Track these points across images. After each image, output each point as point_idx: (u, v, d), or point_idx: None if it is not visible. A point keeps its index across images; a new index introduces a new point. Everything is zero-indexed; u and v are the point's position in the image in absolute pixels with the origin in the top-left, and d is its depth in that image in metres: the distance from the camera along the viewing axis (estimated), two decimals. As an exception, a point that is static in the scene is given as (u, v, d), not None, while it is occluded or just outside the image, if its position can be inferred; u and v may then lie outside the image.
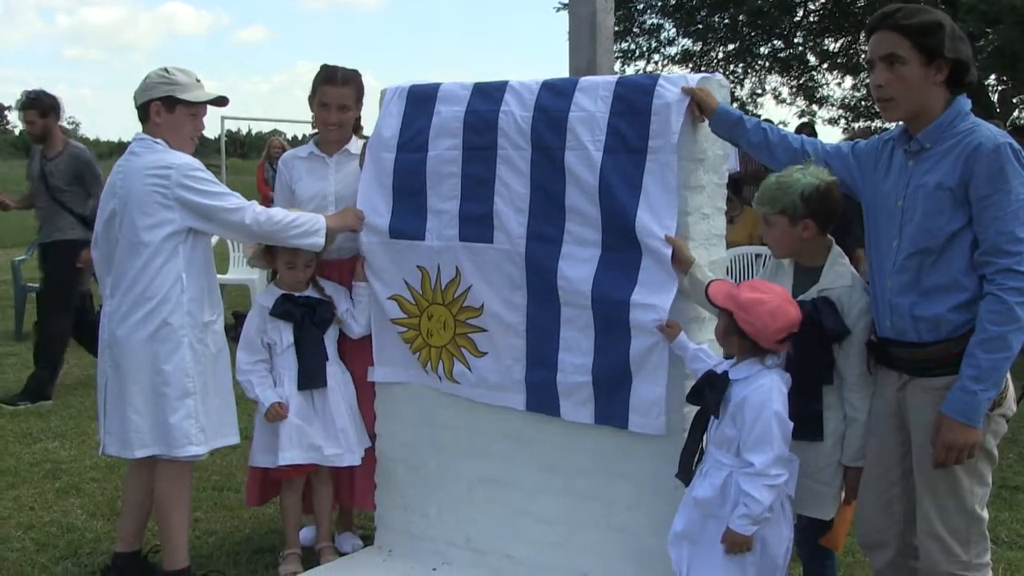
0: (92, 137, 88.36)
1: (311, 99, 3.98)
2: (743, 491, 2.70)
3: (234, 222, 3.53)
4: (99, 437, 3.64)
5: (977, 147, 2.53)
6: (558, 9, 14.83)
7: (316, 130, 4.14)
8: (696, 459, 2.90)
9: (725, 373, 2.83)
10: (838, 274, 2.90)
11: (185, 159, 3.50)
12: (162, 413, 3.45)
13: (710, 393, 2.80)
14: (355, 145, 3.98)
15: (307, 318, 3.77)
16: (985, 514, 2.72)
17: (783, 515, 2.80)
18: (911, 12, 2.65)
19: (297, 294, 3.80)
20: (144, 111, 3.56)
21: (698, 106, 3.06)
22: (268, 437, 3.75)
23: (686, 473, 2.90)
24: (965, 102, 2.66)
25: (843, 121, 18.67)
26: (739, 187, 7.74)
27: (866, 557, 3.13)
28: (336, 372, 3.84)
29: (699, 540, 2.81)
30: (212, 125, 17.95)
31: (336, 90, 3.89)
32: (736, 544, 2.71)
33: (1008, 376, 2.67)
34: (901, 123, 2.80)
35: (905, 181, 2.69)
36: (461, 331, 3.58)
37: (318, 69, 3.97)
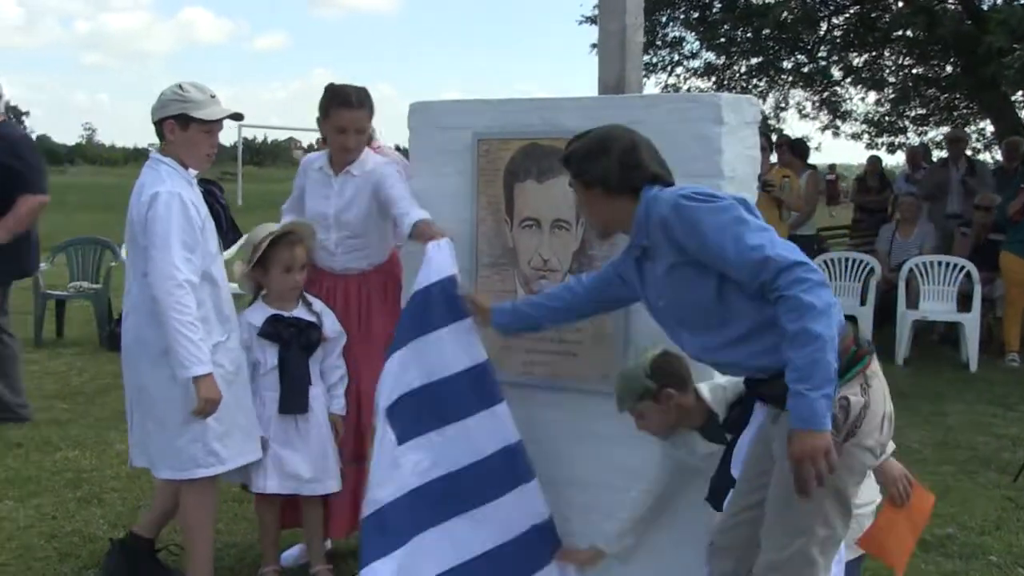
0: (108, 143, 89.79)
1: (321, 121, 3.82)
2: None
3: (157, 274, 3.28)
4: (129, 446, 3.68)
5: (661, 219, 2.59)
6: (580, 22, 14.89)
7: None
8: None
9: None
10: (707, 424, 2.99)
11: (167, 190, 3.35)
12: (169, 435, 3.46)
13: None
14: (358, 167, 3.81)
15: (294, 340, 3.68)
16: (821, 562, 2.54)
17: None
18: (569, 155, 2.78)
19: (286, 314, 3.72)
20: (159, 128, 3.50)
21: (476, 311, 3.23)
22: None
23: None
24: (647, 191, 2.69)
25: (866, 136, 18.56)
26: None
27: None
28: (318, 394, 3.75)
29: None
30: (229, 133, 17.91)
31: (353, 113, 3.73)
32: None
33: (866, 403, 2.52)
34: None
35: (652, 282, 2.74)
36: None
37: (324, 91, 3.81)
